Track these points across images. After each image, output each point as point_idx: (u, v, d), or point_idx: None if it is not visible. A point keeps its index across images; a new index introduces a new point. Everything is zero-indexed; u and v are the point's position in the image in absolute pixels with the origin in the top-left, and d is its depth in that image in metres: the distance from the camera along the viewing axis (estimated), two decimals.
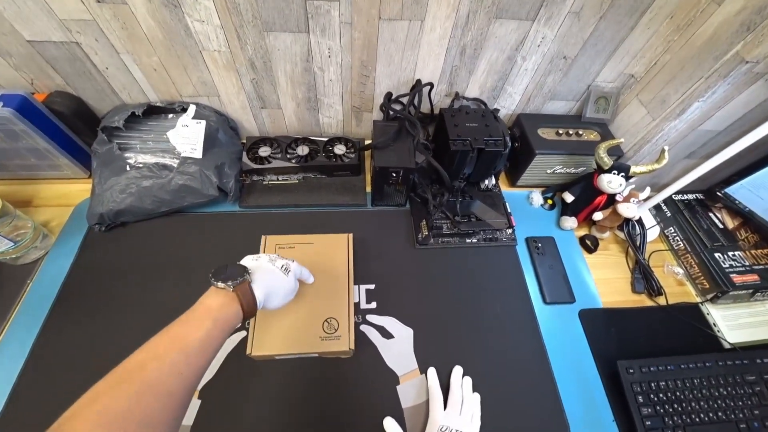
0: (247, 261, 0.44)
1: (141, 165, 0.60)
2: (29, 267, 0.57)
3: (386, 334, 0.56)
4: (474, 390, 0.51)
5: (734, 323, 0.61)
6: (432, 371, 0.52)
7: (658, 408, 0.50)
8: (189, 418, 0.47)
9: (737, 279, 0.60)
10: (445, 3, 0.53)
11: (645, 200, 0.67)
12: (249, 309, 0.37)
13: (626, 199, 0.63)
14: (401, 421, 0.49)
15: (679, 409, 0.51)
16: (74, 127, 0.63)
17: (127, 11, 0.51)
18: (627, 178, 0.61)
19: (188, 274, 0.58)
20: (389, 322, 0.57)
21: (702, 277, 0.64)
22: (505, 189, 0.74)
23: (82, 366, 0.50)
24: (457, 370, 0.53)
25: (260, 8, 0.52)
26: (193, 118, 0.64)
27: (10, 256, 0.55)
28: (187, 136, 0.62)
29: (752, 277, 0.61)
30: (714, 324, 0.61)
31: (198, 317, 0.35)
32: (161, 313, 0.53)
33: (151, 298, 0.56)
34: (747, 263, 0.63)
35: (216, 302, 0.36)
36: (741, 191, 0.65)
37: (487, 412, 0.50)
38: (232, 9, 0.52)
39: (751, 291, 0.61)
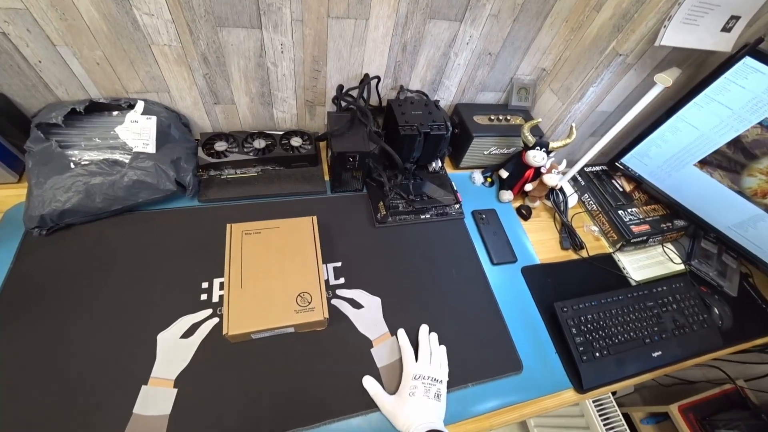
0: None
1: (87, 162, 0.58)
2: None
3: (356, 305, 0.60)
4: (440, 343, 0.57)
5: (636, 266, 0.76)
6: (401, 331, 0.57)
7: (587, 335, 0.61)
8: (166, 408, 0.47)
9: (635, 229, 0.75)
10: (386, 3, 0.60)
11: (564, 173, 0.80)
12: None
13: (549, 171, 0.75)
14: (378, 379, 0.53)
15: (603, 334, 0.61)
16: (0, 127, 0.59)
17: (66, 1, 0.50)
18: (548, 152, 0.73)
19: (149, 272, 0.57)
20: (358, 294, 0.61)
21: (612, 231, 0.78)
22: (450, 171, 0.83)
23: (34, 370, 0.47)
24: (424, 328, 0.58)
25: (213, 3, 0.54)
26: (143, 113, 0.63)
27: None
28: (137, 132, 0.61)
29: (645, 227, 0.76)
30: (623, 268, 0.75)
31: None
32: (119, 312, 0.52)
33: (104, 302, 0.53)
34: (641, 216, 0.78)
35: None
36: (631, 160, 0.80)
37: (453, 359, 0.56)
38: (184, 3, 0.53)
39: (645, 238, 0.76)
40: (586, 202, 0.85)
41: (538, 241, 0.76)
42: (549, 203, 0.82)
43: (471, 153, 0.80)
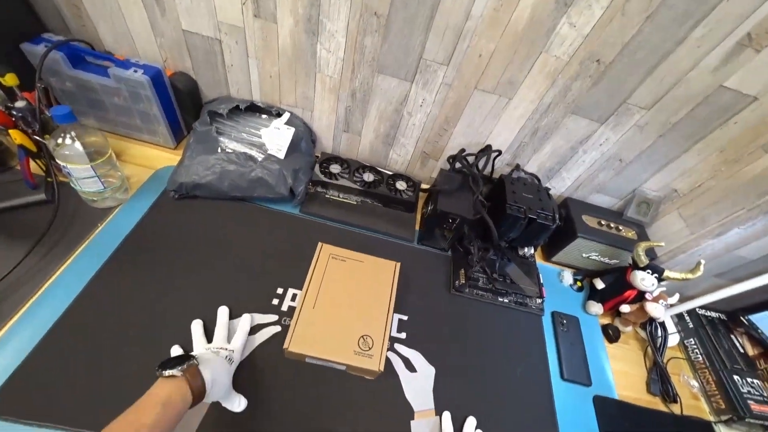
0: (195, 351, 0.48)
1: (231, 151, 0.67)
2: (102, 212, 0.61)
3: (410, 367, 0.57)
4: None
5: None
6: (447, 415, 0.53)
7: None
8: None
9: (755, 407, 0.61)
10: (534, 90, 0.62)
11: (670, 306, 0.70)
12: (198, 391, 0.39)
13: (655, 299, 0.67)
14: None
15: None
16: (182, 103, 0.71)
17: (273, 29, 0.60)
18: (660, 279, 0.66)
19: (241, 256, 0.62)
20: (415, 356, 0.58)
21: (718, 396, 0.65)
22: (540, 261, 0.78)
23: (124, 315, 0.52)
24: (471, 421, 0.53)
25: (382, 54, 0.61)
26: (286, 123, 0.72)
27: (92, 198, 0.60)
28: (276, 137, 0.69)
29: None
30: None
31: (148, 404, 0.36)
32: (205, 286, 0.57)
33: (201, 270, 0.59)
34: (765, 394, 0.64)
35: (164, 390, 0.37)
36: (765, 321, 0.68)
37: None
38: (359, 49, 0.61)
39: (767, 424, 0.61)
40: (689, 348, 0.73)
41: (621, 372, 0.66)
42: (643, 333, 0.72)
43: (568, 251, 0.75)
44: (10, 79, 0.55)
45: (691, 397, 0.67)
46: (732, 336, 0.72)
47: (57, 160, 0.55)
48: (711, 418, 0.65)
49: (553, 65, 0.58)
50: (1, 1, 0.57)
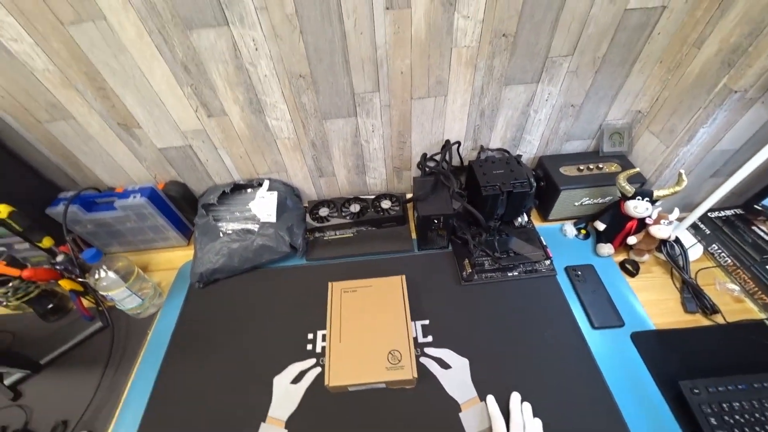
0: None
1: (230, 231, 0.76)
2: (148, 320, 0.71)
3: (444, 365, 0.61)
4: (534, 415, 0.54)
5: None
6: (491, 398, 0.56)
7: (735, 431, 0.49)
8: None
9: None
10: (462, 80, 0.67)
11: (680, 220, 0.70)
12: None
13: (656, 221, 0.67)
14: None
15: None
16: (180, 206, 0.82)
17: (227, 120, 0.69)
18: (652, 202, 0.66)
19: (268, 319, 0.69)
20: (446, 354, 0.62)
21: (760, 292, 0.63)
22: (538, 224, 0.80)
23: (191, 394, 0.60)
24: (516, 396, 0.56)
25: (320, 104, 0.68)
26: (268, 190, 0.80)
27: (136, 311, 0.70)
28: (264, 205, 0.78)
29: None
30: None
31: None
32: (247, 353, 0.64)
33: (240, 339, 0.66)
34: None
35: None
36: None
37: None
38: (300, 108, 0.69)
39: None
40: (716, 254, 0.71)
41: (651, 302, 0.66)
42: (662, 256, 0.72)
43: (560, 205, 0.77)
44: (47, 242, 0.67)
45: (734, 301, 0.66)
46: (753, 228, 0.70)
47: (100, 292, 0.65)
48: (762, 316, 0.63)
49: (468, 54, 0.63)
50: (22, 181, 0.71)
